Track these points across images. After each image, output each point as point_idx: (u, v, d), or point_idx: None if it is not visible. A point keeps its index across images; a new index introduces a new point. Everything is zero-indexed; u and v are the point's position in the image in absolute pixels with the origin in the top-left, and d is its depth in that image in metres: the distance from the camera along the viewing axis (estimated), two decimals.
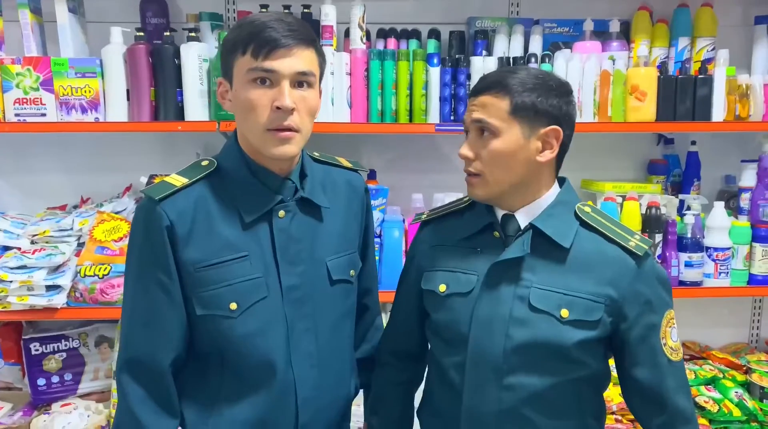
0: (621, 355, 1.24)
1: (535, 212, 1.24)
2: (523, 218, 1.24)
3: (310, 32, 1.19)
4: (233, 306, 1.21)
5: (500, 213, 1.26)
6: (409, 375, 1.46)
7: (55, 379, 2.12)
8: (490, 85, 1.20)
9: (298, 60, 1.16)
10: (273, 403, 1.25)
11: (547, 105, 1.18)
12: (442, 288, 1.28)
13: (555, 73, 1.28)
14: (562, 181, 1.29)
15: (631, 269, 1.19)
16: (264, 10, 2.10)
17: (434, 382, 1.35)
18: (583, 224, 1.23)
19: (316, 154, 1.39)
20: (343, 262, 1.33)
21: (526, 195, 1.24)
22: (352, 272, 1.35)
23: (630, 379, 1.24)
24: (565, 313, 1.18)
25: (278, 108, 1.15)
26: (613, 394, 2.07)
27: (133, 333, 1.23)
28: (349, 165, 1.43)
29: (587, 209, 1.25)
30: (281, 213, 1.24)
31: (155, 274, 1.20)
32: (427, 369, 1.41)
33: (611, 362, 1.29)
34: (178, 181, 1.22)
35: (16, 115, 1.94)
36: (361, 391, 1.51)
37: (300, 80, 1.17)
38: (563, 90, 1.21)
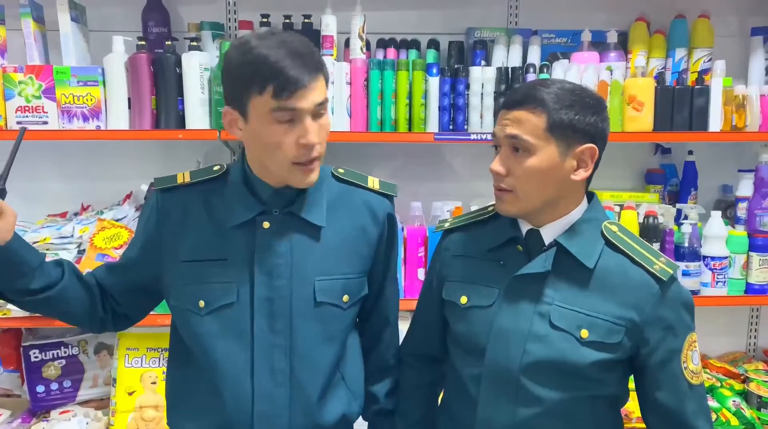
0: (641, 377, 1.23)
1: (561, 228, 1.22)
2: (548, 234, 1.22)
3: (318, 57, 1.17)
4: (201, 304, 1.24)
5: (525, 227, 1.25)
6: (431, 377, 1.45)
7: (54, 386, 2.13)
8: (525, 99, 1.16)
9: (315, 92, 1.15)
10: (228, 409, 1.24)
11: (585, 123, 1.16)
12: (464, 300, 1.27)
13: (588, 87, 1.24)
14: (590, 196, 1.27)
15: (654, 294, 1.17)
16: (265, 20, 2.12)
17: (452, 390, 1.35)
18: (609, 244, 1.21)
19: (342, 170, 1.36)
20: (335, 285, 1.28)
21: (556, 212, 1.22)
22: (345, 297, 1.29)
23: (650, 401, 1.22)
24: (585, 333, 1.16)
25: (303, 145, 1.16)
26: None
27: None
28: (377, 187, 1.37)
29: (614, 228, 1.23)
30: (265, 224, 1.24)
31: (141, 237, 1.33)
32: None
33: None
34: (183, 178, 1.31)
35: (18, 122, 1.95)
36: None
37: (318, 111, 1.17)
38: (599, 107, 1.19)
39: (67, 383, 2.14)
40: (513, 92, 1.22)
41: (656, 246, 2.08)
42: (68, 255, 2.00)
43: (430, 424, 1.43)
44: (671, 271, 1.18)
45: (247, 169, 1.26)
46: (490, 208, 1.34)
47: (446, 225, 1.40)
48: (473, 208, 2.21)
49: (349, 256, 1.31)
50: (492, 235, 1.29)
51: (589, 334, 1.16)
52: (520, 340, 1.19)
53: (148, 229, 1.32)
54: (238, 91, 1.15)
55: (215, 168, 1.32)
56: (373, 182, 1.38)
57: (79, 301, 1.31)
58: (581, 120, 1.15)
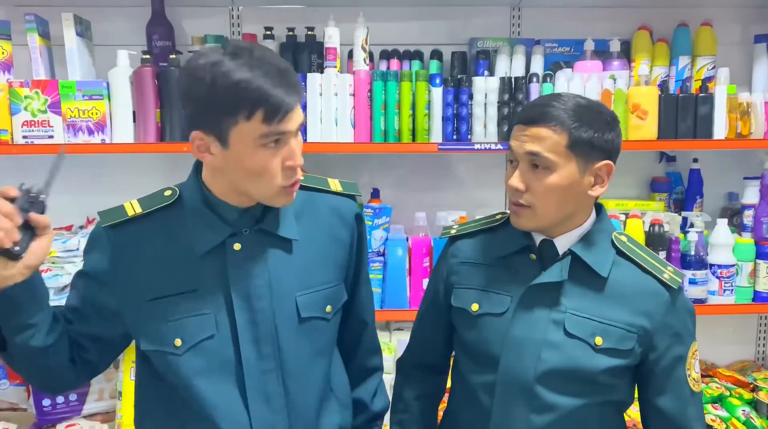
0: (646, 383, 1.25)
1: (574, 239, 1.23)
2: (562, 244, 1.24)
3: (294, 73, 1.12)
4: (177, 342, 1.14)
5: (538, 237, 1.25)
6: (432, 388, 1.44)
7: (60, 399, 2.12)
8: (544, 116, 1.16)
9: (299, 113, 1.10)
10: None
11: (603, 140, 1.17)
12: (475, 307, 1.26)
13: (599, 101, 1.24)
14: (598, 207, 1.29)
15: (665, 302, 1.21)
16: (268, 32, 2.13)
17: (458, 401, 1.34)
18: (620, 253, 1.24)
19: (300, 177, 1.28)
20: (317, 298, 1.23)
21: (569, 224, 1.23)
22: (328, 308, 1.25)
23: (653, 407, 1.25)
24: (599, 341, 1.19)
25: (290, 167, 1.11)
26: None
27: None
28: (340, 189, 1.32)
29: (623, 238, 1.26)
30: (236, 246, 1.16)
31: (90, 283, 1.19)
32: (450, 385, 1.40)
33: None
34: (132, 209, 1.19)
35: (24, 137, 1.96)
36: None
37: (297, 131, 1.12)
38: (615, 123, 1.21)
39: (72, 396, 2.14)
40: (530, 108, 1.21)
41: (662, 254, 2.07)
42: (74, 268, 2.00)
43: None
44: (679, 280, 1.22)
45: (207, 193, 1.17)
46: (498, 216, 1.35)
47: (452, 231, 1.38)
48: (478, 217, 2.21)
49: (326, 265, 1.26)
50: (503, 243, 1.29)
51: (603, 341, 1.18)
52: (535, 348, 1.20)
53: (100, 273, 1.18)
54: (214, 115, 1.06)
55: (166, 193, 1.21)
56: (335, 184, 1.32)
57: (63, 363, 1.19)
58: (600, 137, 1.17)
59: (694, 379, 1.25)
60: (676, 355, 1.22)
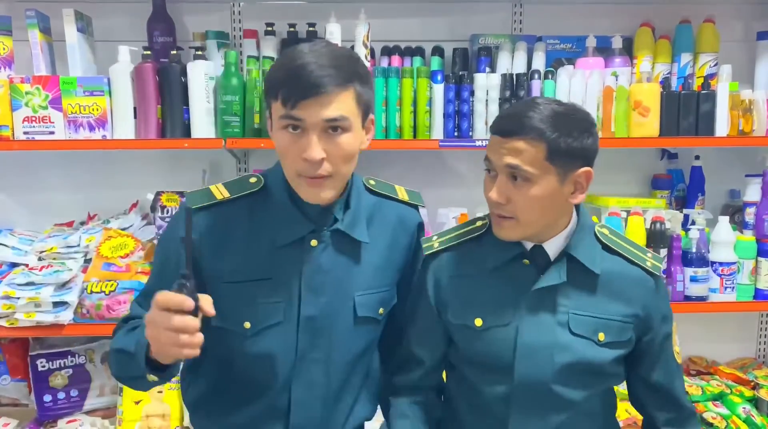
0: (638, 362, 1.30)
1: (562, 241, 1.25)
2: (551, 248, 1.24)
3: (346, 70, 1.13)
4: (247, 325, 1.23)
5: (528, 244, 1.25)
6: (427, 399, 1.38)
7: (61, 395, 2.13)
8: (521, 129, 1.14)
9: (328, 106, 1.11)
10: (263, 420, 1.27)
11: (581, 148, 1.16)
12: (479, 322, 1.25)
13: (577, 103, 1.24)
14: (577, 205, 1.28)
15: (651, 289, 1.27)
16: (270, 28, 2.13)
17: (464, 411, 1.31)
18: (604, 247, 1.27)
19: (372, 182, 1.37)
20: (373, 299, 1.30)
21: (555, 229, 1.24)
22: (381, 310, 1.31)
23: (645, 383, 1.32)
24: (601, 336, 1.23)
25: (305, 159, 1.13)
26: None
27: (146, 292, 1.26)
28: (406, 198, 1.39)
29: (605, 231, 1.29)
30: (313, 242, 1.23)
31: (174, 262, 1.21)
32: (447, 400, 1.38)
33: None
34: (220, 193, 1.25)
35: (25, 133, 1.96)
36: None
37: (332, 126, 1.13)
38: (592, 126, 1.20)
39: (74, 392, 2.15)
40: (506, 119, 1.19)
41: (663, 252, 2.07)
42: (75, 264, 2.00)
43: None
44: (660, 265, 1.29)
45: (291, 186, 1.22)
46: (478, 223, 1.33)
47: (435, 246, 1.31)
48: (479, 214, 2.20)
49: (386, 269, 1.32)
50: (494, 253, 1.26)
51: (605, 336, 1.23)
52: (547, 351, 1.22)
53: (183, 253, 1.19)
54: (266, 95, 1.18)
55: (252, 180, 1.27)
56: (402, 193, 1.40)
57: None
58: (578, 146, 1.16)
59: (677, 352, 1.34)
60: (665, 334, 1.29)
